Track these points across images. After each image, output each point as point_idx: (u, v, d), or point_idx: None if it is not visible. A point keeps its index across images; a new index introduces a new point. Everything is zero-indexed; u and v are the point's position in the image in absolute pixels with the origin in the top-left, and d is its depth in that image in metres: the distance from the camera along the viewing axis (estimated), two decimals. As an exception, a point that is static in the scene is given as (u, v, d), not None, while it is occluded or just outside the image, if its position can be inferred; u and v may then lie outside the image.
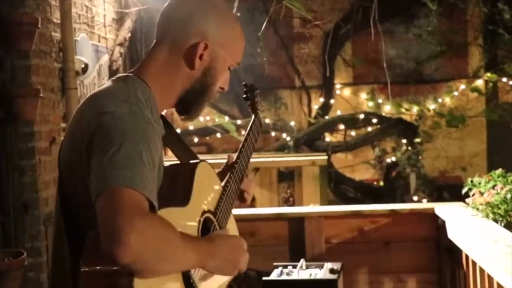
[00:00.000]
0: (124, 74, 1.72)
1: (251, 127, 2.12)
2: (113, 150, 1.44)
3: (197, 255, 1.51)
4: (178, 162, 1.87)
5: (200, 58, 1.69)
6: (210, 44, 1.70)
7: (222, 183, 1.92)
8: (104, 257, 1.38)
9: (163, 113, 1.79)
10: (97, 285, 1.44)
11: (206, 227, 1.74)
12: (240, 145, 2.05)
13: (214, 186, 1.86)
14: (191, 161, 1.81)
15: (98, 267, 1.43)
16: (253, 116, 2.18)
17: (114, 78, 1.71)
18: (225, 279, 1.80)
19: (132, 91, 1.60)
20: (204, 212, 1.74)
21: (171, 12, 1.74)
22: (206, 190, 1.79)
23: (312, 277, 3.55)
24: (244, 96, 2.18)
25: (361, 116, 7.74)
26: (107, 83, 1.70)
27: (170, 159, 1.96)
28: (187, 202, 1.65)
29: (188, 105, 1.75)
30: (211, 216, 1.77)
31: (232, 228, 1.91)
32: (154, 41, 1.75)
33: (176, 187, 1.68)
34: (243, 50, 1.82)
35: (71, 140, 1.61)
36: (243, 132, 7.32)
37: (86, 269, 1.44)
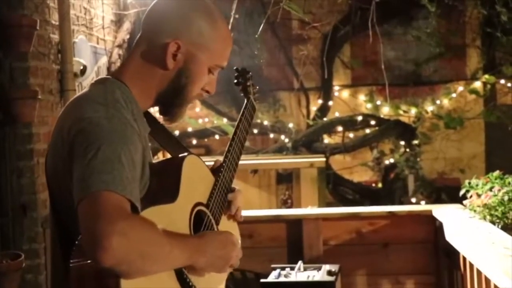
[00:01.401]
0: (103, 77, 1.72)
1: (243, 112, 2.06)
2: (91, 155, 1.45)
3: (185, 252, 1.52)
4: (167, 158, 1.84)
5: (174, 58, 1.67)
6: (184, 44, 1.68)
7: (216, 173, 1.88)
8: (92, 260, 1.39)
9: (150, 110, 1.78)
10: (86, 283, 1.45)
11: (200, 219, 1.73)
12: (233, 132, 2.00)
13: (204, 178, 1.83)
14: (178, 155, 1.78)
15: (86, 269, 1.44)
16: (245, 101, 2.11)
17: (93, 81, 1.72)
18: (222, 278, 1.79)
19: (110, 93, 1.61)
20: (195, 205, 1.72)
21: (150, 12, 1.73)
22: (196, 183, 1.77)
23: (310, 279, 3.56)
24: (236, 81, 2.12)
25: (360, 118, 7.75)
26: (87, 87, 1.71)
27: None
28: (175, 198, 1.64)
29: (166, 106, 1.74)
30: (203, 208, 1.76)
31: (232, 226, 1.89)
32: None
33: (164, 183, 1.66)
34: (229, 53, 1.78)
35: (54, 147, 1.62)
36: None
37: (75, 271, 1.45)
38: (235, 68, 2.13)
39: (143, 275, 1.43)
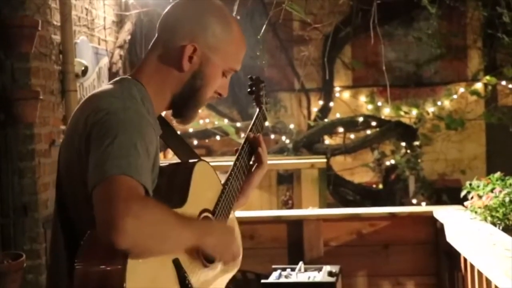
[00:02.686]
0: (120, 77, 1.74)
1: (254, 121, 2.09)
2: (107, 142, 1.48)
3: (194, 234, 1.56)
4: (178, 161, 1.87)
5: (190, 60, 1.70)
6: (200, 47, 1.70)
7: (223, 181, 1.90)
8: (98, 256, 1.43)
9: (162, 114, 1.81)
10: (90, 284, 1.45)
11: None
12: (243, 141, 2.01)
13: (213, 185, 1.84)
14: (189, 161, 1.80)
15: (91, 267, 1.45)
16: (257, 110, 2.14)
17: (111, 81, 1.74)
18: (223, 283, 1.80)
19: (126, 89, 1.64)
20: (202, 212, 1.74)
21: (168, 14, 1.76)
22: (204, 190, 1.78)
23: (311, 280, 3.56)
24: (249, 89, 2.15)
25: (361, 119, 7.75)
26: (103, 86, 1.74)
27: (165, 161, 1.96)
28: (184, 203, 1.66)
29: (180, 108, 1.76)
30: (209, 215, 1.77)
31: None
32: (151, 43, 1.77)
33: (174, 187, 1.69)
34: (242, 57, 1.81)
35: (69, 141, 1.64)
36: (242, 135, 7.34)
37: (80, 268, 1.46)
38: (249, 76, 2.16)
39: (154, 255, 1.47)
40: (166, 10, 1.77)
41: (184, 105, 1.75)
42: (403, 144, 7.55)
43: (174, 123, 1.83)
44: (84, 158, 1.54)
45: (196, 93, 1.74)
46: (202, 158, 1.85)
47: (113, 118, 1.53)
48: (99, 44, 5.50)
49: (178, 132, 2.02)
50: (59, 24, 4.52)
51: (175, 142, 1.88)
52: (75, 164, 1.58)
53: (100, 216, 1.41)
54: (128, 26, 6.03)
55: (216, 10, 1.76)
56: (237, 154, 1.95)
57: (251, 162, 2.01)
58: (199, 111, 1.81)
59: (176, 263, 1.58)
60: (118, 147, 1.48)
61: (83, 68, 4.75)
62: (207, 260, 1.71)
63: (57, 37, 4.50)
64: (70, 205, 1.64)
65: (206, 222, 1.69)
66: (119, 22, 6.06)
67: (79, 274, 1.46)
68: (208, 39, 1.71)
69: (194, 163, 1.75)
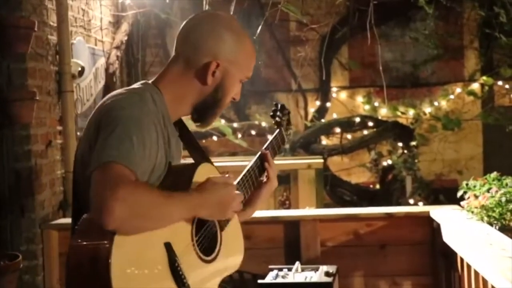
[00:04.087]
0: (144, 81, 1.91)
1: (271, 140, 2.25)
2: (107, 134, 1.66)
3: (186, 208, 1.70)
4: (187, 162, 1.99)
5: (213, 75, 1.86)
6: (222, 63, 1.87)
7: None
8: (90, 234, 1.57)
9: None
10: (80, 258, 1.56)
11: (202, 223, 1.82)
12: (257, 156, 2.15)
13: None
14: (195, 162, 1.93)
15: (83, 243, 1.58)
16: (277, 130, 2.30)
17: (136, 84, 1.90)
18: (216, 279, 1.86)
19: (140, 90, 1.82)
20: None
21: (188, 30, 1.90)
22: None
23: (308, 280, 3.56)
24: (272, 114, 2.33)
25: (357, 119, 7.75)
26: (130, 86, 1.90)
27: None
28: None
29: (202, 115, 1.92)
30: None
31: (236, 230, 1.98)
32: (173, 54, 1.92)
33: (176, 184, 1.77)
34: (253, 64, 1.97)
35: (85, 134, 1.80)
36: (239, 135, 7.34)
37: (72, 242, 1.59)
38: (274, 103, 2.36)
39: (144, 231, 1.60)
40: (187, 24, 1.92)
41: (206, 113, 1.92)
42: (400, 144, 7.56)
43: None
44: (93, 148, 1.69)
45: (218, 103, 1.91)
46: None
47: (118, 113, 1.71)
48: (95, 44, 5.50)
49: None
50: (55, 24, 4.52)
51: (189, 145, 2.01)
52: (87, 154, 1.73)
53: (93, 199, 1.57)
54: (124, 27, 6.02)
55: (230, 24, 1.91)
56: (247, 166, 2.10)
57: (263, 179, 2.16)
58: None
59: (168, 247, 1.65)
60: (114, 137, 1.64)
61: (79, 69, 4.74)
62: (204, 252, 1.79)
63: (53, 38, 4.50)
64: (85, 199, 1.69)
65: (198, 194, 1.75)
66: (116, 23, 6.05)
67: (72, 249, 1.58)
68: (227, 54, 1.87)
69: (198, 163, 1.87)
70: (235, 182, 1.93)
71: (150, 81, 1.89)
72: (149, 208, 1.59)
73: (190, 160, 1.98)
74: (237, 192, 1.86)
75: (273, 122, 2.33)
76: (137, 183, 1.62)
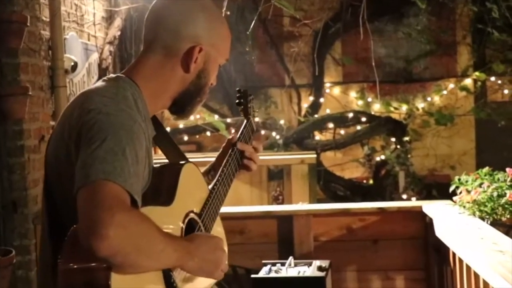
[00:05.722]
0: (115, 75, 1.72)
1: (242, 131, 2.12)
2: (96, 145, 1.46)
3: (176, 253, 1.52)
4: (166, 162, 1.88)
5: (195, 61, 1.72)
6: (204, 47, 1.72)
7: (210, 186, 1.92)
8: (82, 254, 1.39)
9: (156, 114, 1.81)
10: (74, 283, 1.43)
11: (191, 228, 1.74)
12: (230, 150, 2.04)
13: (199, 187, 1.85)
14: (178, 162, 1.81)
15: (75, 264, 1.44)
16: (244, 121, 2.17)
17: (105, 78, 1.72)
18: (208, 282, 1.79)
19: (121, 90, 1.62)
20: (188, 213, 1.74)
21: (160, 15, 1.74)
22: (191, 191, 1.79)
23: (301, 274, 3.57)
24: (237, 101, 2.18)
25: (351, 114, 7.77)
26: (98, 82, 1.71)
27: (159, 157, 1.97)
28: (171, 202, 1.66)
29: (182, 106, 1.78)
30: (196, 217, 1.77)
31: (219, 231, 1.91)
32: (143, 43, 1.76)
33: (161, 187, 1.68)
34: (230, 45, 1.85)
35: (59, 136, 1.62)
36: (233, 131, 7.34)
37: (64, 266, 1.44)
38: (237, 89, 2.21)
39: (134, 270, 1.43)
40: (157, 9, 1.75)
41: (188, 102, 1.78)
42: (393, 139, 7.58)
43: (171, 119, 1.84)
44: (74, 155, 1.53)
45: (200, 90, 1.77)
46: (191, 155, 1.87)
47: (105, 119, 1.51)
48: (88, 40, 5.49)
49: (168, 128, 2.05)
50: (48, 19, 4.51)
51: (165, 143, 1.89)
52: (64, 161, 1.58)
53: (83, 221, 1.39)
54: (118, 22, 6.01)
55: (206, 6, 1.77)
56: (224, 161, 1.98)
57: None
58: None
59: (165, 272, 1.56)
60: (105, 150, 1.45)
61: (72, 64, 4.73)
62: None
63: (46, 33, 4.49)
64: (59, 202, 1.64)
65: (190, 243, 1.60)
66: (109, 18, 6.04)
67: (62, 271, 1.44)
68: (208, 37, 1.74)
69: (182, 165, 1.77)
70: (210, 186, 1.89)
71: (123, 73, 1.71)
72: (147, 242, 1.43)
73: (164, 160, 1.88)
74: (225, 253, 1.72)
75: (240, 110, 2.20)
76: (134, 210, 1.46)
